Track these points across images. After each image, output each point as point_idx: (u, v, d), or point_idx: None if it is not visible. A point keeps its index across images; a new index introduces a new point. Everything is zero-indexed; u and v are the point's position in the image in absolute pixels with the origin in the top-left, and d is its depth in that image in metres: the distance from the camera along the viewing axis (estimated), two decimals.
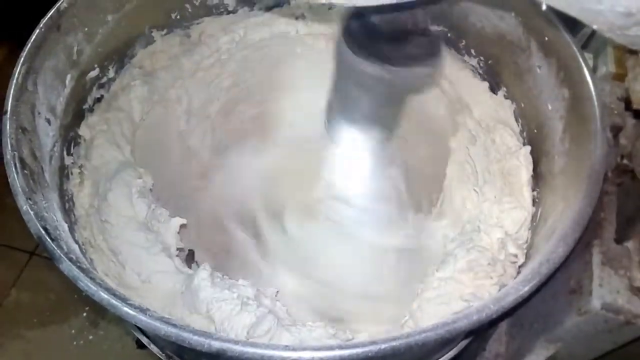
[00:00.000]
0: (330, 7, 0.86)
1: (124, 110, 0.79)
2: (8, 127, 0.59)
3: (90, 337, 1.33)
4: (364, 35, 0.60)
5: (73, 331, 1.34)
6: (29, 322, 1.35)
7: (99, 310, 1.36)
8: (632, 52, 0.56)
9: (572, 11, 0.29)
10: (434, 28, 0.87)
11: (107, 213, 0.68)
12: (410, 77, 0.64)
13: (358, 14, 0.58)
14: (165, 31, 0.87)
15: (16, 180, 0.56)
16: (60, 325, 1.35)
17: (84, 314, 1.36)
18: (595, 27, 0.30)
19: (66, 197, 0.69)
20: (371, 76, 0.62)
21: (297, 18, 0.91)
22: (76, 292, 1.38)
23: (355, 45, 0.61)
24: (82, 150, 0.74)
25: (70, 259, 0.51)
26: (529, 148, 0.75)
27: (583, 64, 0.66)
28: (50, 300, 1.38)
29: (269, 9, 0.91)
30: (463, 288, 0.65)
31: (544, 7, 0.29)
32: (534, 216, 0.71)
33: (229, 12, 0.91)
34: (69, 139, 0.73)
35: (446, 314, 0.62)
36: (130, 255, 0.65)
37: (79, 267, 0.51)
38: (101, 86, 0.80)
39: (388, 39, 0.60)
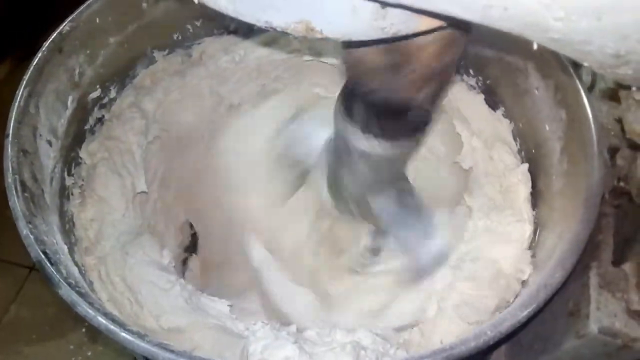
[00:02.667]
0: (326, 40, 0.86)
1: (123, 141, 0.79)
2: (10, 150, 0.60)
3: (89, 353, 1.33)
4: (355, 99, 0.59)
5: (72, 347, 1.33)
6: (28, 338, 1.35)
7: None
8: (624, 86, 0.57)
9: (563, 51, 0.29)
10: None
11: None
12: (397, 151, 0.63)
13: (351, 75, 0.57)
14: (166, 51, 0.87)
15: (17, 204, 0.56)
16: (59, 341, 1.34)
17: (83, 330, 1.36)
18: (586, 64, 0.30)
19: (66, 218, 0.70)
20: (358, 150, 0.61)
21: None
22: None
23: (346, 105, 0.60)
24: (83, 172, 0.75)
25: (70, 284, 0.52)
26: (526, 166, 0.76)
27: (580, 86, 0.67)
28: (50, 316, 1.38)
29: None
30: (463, 298, 0.66)
31: (535, 47, 0.30)
32: (534, 234, 0.71)
33: (229, 33, 0.92)
34: (70, 159, 0.74)
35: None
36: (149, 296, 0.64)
37: (78, 292, 0.51)
38: (102, 106, 0.80)
39: (376, 109, 0.58)
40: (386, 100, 0.52)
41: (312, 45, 0.93)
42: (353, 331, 0.59)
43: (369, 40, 0.38)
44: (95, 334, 1.35)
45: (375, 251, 0.84)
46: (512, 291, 0.66)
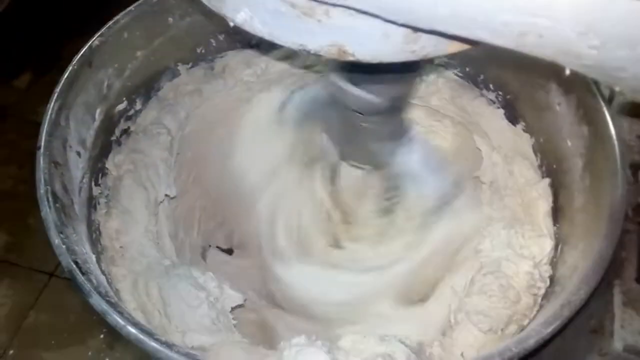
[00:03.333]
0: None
1: (147, 155, 0.81)
2: (42, 162, 0.61)
3: (107, 359, 1.34)
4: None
5: (90, 353, 1.35)
6: (47, 344, 1.36)
7: (116, 333, 1.36)
8: None
9: (596, 77, 0.30)
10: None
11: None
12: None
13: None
14: (190, 65, 0.89)
15: (49, 214, 0.58)
16: (77, 347, 1.36)
17: (101, 336, 1.37)
18: (617, 89, 0.31)
19: (93, 227, 0.71)
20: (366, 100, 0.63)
21: None
22: (94, 314, 1.39)
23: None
24: (109, 182, 0.77)
25: (100, 293, 0.53)
26: (547, 180, 0.76)
27: (602, 102, 0.67)
28: (69, 322, 1.40)
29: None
30: (477, 309, 0.66)
31: (567, 72, 0.30)
32: (555, 250, 0.71)
33: (251, 47, 0.93)
34: (97, 169, 0.76)
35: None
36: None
37: (108, 302, 0.52)
38: (128, 118, 0.82)
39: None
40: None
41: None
42: (387, 341, 0.59)
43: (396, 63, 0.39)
44: (113, 340, 1.36)
45: (388, 210, 0.85)
46: (524, 305, 0.66)
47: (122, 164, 0.79)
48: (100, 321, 1.50)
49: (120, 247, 0.73)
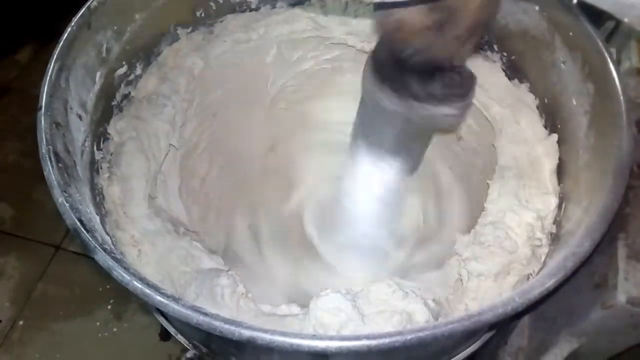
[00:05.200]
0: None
1: (150, 123, 0.80)
2: (43, 122, 0.61)
3: (115, 329, 1.36)
4: (392, 65, 0.57)
5: (98, 323, 1.37)
6: (55, 315, 1.39)
7: (123, 303, 1.39)
8: None
9: (604, 5, 0.29)
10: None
11: None
12: (430, 117, 0.61)
13: (390, 40, 0.55)
14: (190, 29, 0.88)
15: (51, 173, 0.58)
16: (85, 317, 1.38)
17: (109, 307, 1.39)
18: (626, 20, 0.30)
19: (96, 191, 0.71)
20: (389, 110, 0.61)
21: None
22: (101, 286, 1.41)
23: (379, 74, 0.59)
24: (111, 148, 0.76)
25: (105, 250, 0.53)
26: (555, 137, 0.75)
27: (608, 59, 0.66)
28: (76, 294, 1.42)
29: (291, 6, 0.92)
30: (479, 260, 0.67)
31: (575, 1, 0.30)
32: (559, 208, 0.71)
33: (251, 10, 0.92)
34: (99, 134, 0.75)
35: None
36: None
37: (114, 258, 0.52)
38: (129, 83, 0.81)
39: (418, 73, 0.56)
40: (428, 60, 0.52)
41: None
42: (410, 299, 0.60)
43: (413, 1, 0.38)
44: (120, 311, 1.38)
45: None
46: (522, 255, 0.67)
47: (124, 130, 0.79)
48: (107, 292, 1.54)
49: (124, 212, 0.73)
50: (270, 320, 0.60)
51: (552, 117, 0.78)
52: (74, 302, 1.40)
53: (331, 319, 0.58)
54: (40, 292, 1.43)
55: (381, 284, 0.62)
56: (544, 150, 0.74)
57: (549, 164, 0.73)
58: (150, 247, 0.69)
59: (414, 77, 0.56)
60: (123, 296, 1.38)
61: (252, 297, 0.63)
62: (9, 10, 1.78)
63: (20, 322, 1.38)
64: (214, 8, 0.89)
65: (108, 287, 1.40)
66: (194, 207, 0.93)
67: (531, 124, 0.78)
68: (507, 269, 0.65)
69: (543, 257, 0.67)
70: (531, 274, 0.65)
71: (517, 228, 0.67)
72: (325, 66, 1.00)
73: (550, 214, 0.70)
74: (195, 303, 0.60)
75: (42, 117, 0.61)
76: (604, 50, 0.66)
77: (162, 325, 0.75)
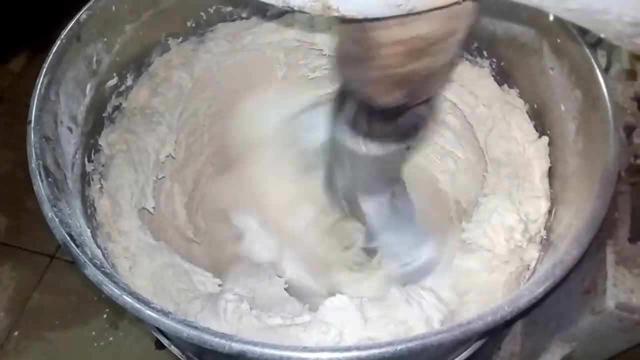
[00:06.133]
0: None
1: (142, 139, 0.81)
2: (32, 137, 0.61)
3: (111, 338, 1.36)
4: (351, 105, 0.58)
5: (94, 333, 1.37)
6: (51, 324, 1.39)
7: (119, 312, 1.39)
8: None
9: (580, 22, 0.30)
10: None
11: None
12: (383, 153, 0.61)
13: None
14: (180, 39, 0.88)
15: (41, 188, 0.58)
16: (81, 327, 1.38)
17: (104, 316, 1.39)
18: (603, 35, 0.31)
19: (88, 203, 0.71)
20: (346, 148, 0.61)
21: (311, 27, 0.92)
22: (96, 295, 1.41)
23: (341, 112, 0.59)
24: (102, 159, 0.76)
25: (95, 264, 0.53)
26: (546, 139, 0.76)
27: (595, 66, 0.66)
28: (71, 303, 1.42)
29: (278, 16, 0.92)
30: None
31: (551, 18, 0.30)
32: (549, 212, 0.72)
33: (242, 19, 0.92)
34: (90, 146, 0.75)
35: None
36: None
37: (103, 272, 0.53)
38: (119, 94, 0.81)
39: (378, 113, 0.56)
40: (365, 99, 0.52)
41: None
42: (418, 306, 0.61)
43: (382, 18, 0.38)
44: (116, 320, 1.38)
45: (370, 252, 0.84)
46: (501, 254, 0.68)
47: (115, 143, 0.79)
48: (103, 302, 1.54)
49: (115, 225, 0.73)
50: (275, 331, 0.61)
51: (542, 123, 0.78)
52: (70, 312, 1.40)
53: (334, 317, 0.60)
54: (36, 301, 1.43)
55: (393, 290, 0.63)
56: (535, 153, 0.75)
57: (540, 167, 0.74)
58: (144, 260, 0.69)
59: (361, 112, 0.57)
60: (118, 305, 1.36)
61: (256, 312, 0.63)
62: (2, 19, 1.78)
63: (16, 332, 1.38)
64: (204, 18, 0.89)
65: (103, 296, 1.37)
66: (197, 215, 0.94)
67: (521, 125, 0.78)
68: (490, 267, 0.66)
69: (533, 262, 0.68)
70: (521, 275, 0.66)
71: (499, 228, 0.68)
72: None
73: (541, 217, 0.70)
74: (197, 316, 0.61)
75: (32, 132, 0.62)
76: (590, 57, 0.67)
77: None
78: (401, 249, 0.77)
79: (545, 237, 0.69)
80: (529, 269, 0.68)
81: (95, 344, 1.35)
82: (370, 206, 0.72)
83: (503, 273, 0.66)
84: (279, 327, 0.62)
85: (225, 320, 0.61)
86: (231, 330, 0.60)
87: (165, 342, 0.73)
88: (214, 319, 0.61)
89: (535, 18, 0.74)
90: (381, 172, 0.68)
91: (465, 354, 0.70)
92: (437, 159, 0.99)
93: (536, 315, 0.73)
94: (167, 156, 0.84)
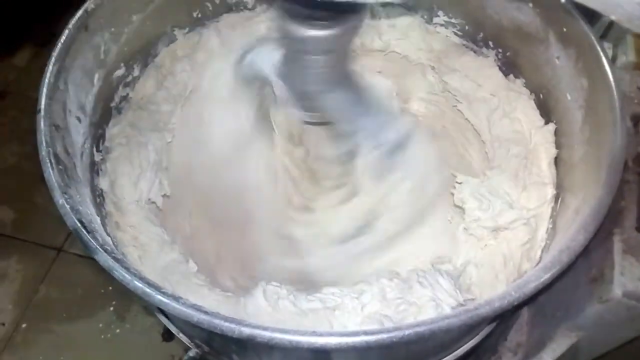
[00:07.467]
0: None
1: (143, 135, 0.81)
2: (42, 125, 0.62)
3: (118, 330, 1.37)
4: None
5: (101, 325, 1.38)
6: (58, 317, 1.39)
7: (126, 305, 1.40)
8: None
9: (591, 3, 0.30)
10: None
11: None
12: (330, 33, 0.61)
13: None
14: (187, 30, 0.89)
15: (51, 175, 0.58)
16: (88, 319, 1.39)
17: (111, 308, 1.40)
18: (613, 17, 0.31)
19: (96, 192, 0.72)
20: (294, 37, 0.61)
21: None
22: (103, 287, 1.42)
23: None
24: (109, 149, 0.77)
25: (106, 250, 0.54)
26: (553, 126, 0.76)
27: (602, 54, 0.66)
28: (78, 296, 1.43)
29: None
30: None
31: (562, 0, 0.30)
32: (555, 201, 0.72)
33: (247, 9, 0.92)
34: (98, 136, 0.76)
35: None
36: None
37: (114, 258, 0.53)
38: (127, 85, 0.82)
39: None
40: None
41: None
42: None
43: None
44: (123, 312, 1.39)
45: (350, 154, 0.81)
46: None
47: (114, 138, 0.79)
48: (110, 294, 1.54)
49: (122, 216, 0.73)
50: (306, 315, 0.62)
51: (548, 112, 0.78)
52: (77, 304, 1.41)
53: (358, 301, 0.61)
54: (43, 294, 1.44)
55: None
56: (542, 139, 0.75)
57: (546, 154, 0.74)
58: (154, 250, 0.70)
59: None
60: (125, 297, 1.38)
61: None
62: (6, 13, 1.79)
63: (23, 325, 1.39)
64: (210, 8, 0.90)
65: (110, 288, 1.41)
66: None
67: (528, 111, 0.79)
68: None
69: (538, 253, 0.68)
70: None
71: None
72: None
73: (547, 204, 0.70)
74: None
75: (42, 120, 0.62)
76: (597, 46, 0.67)
77: (164, 326, 0.75)
78: (374, 132, 0.76)
79: (551, 225, 0.70)
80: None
81: (102, 337, 1.36)
82: (332, 99, 0.72)
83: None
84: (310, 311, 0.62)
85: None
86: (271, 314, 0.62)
87: (173, 329, 0.73)
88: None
89: (541, 6, 0.74)
90: (333, 60, 0.68)
91: (473, 341, 0.70)
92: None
93: (543, 305, 0.74)
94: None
